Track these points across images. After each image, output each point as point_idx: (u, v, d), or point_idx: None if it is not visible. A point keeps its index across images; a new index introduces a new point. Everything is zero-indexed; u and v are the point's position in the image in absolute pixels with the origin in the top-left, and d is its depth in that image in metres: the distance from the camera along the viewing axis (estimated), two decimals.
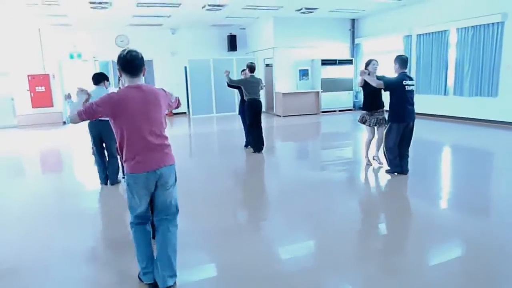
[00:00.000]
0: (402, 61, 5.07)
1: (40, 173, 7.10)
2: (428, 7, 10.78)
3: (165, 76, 13.94)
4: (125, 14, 10.82)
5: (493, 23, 9.00)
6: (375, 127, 5.65)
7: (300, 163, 7.01)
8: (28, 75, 12.52)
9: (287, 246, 3.31)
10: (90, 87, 4.59)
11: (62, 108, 13.16)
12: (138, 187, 2.50)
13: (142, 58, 2.50)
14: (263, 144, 7.23)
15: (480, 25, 9.29)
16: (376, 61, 5.46)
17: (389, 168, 5.39)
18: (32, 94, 12.66)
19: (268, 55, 13.53)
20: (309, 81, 13.60)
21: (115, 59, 2.57)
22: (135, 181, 2.49)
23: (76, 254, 3.25)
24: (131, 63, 2.45)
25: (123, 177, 2.80)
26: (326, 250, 3.19)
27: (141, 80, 2.54)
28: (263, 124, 7.32)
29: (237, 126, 8.35)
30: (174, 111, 14.47)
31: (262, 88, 7.25)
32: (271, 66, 13.60)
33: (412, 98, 5.08)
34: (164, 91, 2.65)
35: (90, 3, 9.04)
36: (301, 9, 11.32)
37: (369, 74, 5.30)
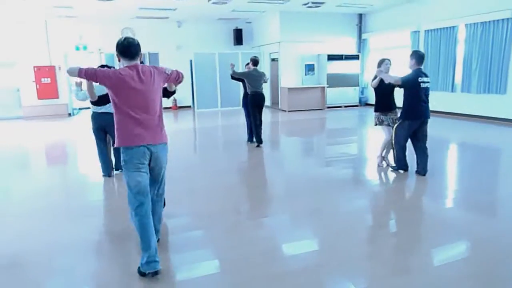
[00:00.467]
0: (419, 57, 4.92)
1: (45, 165, 7.14)
2: (437, 3, 10.64)
3: None
4: (131, 6, 10.78)
5: (502, 19, 8.87)
6: (391, 127, 5.55)
7: (304, 159, 6.98)
8: (34, 67, 12.58)
9: (291, 243, 3.28)
10: None
11: (67, 99, 13.21)
12: (134, 160, 2.68)
13: (138, 44, 2.74)
14: (260, 137, 7.21)
15: (489, 21, 9.17)
16: (389, 60, 5.33)
17: (394, 165, 5.34)
18: (38, 86, 12.72)
19: (274, 49, 13.44)
20: (315, 76, 13.50)
21: None
22: (131, 155, 2.67)
23: (81, 247, 3.25)
24: (129, 49, 2.69)
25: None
26: (331, 248, 3.16)
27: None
28: (266, 119, 7.29)
29: (242, 121, 8.32)
30: (179, 104, 14.49)
31: (265, 82, 7.23)
32: (277, 60, 13.52)
33: (427, 96, 4.96)
34: (156, 68, 2.82)
35: None
36: (308, 3, 11.20)
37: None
